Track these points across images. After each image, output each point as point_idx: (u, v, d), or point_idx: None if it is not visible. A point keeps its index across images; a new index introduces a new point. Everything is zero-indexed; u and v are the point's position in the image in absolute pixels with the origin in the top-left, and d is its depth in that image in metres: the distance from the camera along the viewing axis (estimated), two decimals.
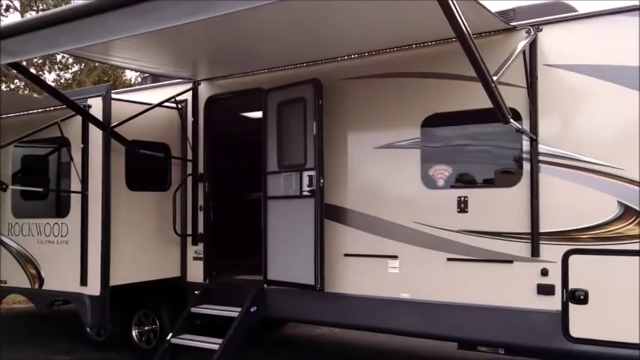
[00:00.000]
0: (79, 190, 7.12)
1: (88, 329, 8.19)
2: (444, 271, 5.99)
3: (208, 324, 7.39)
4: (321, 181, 6.49)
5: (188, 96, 7.94)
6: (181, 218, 7.87)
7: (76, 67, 23.26)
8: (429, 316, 6.05)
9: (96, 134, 7.04)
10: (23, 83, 21.36)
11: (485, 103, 5.67)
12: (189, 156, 7.87)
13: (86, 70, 22.04)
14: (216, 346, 6.61)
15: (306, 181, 6.64)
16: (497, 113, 4.68)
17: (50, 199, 7.83)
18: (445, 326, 5.98)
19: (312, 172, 6.56)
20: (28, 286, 7.75)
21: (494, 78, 4.44)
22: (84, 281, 7.06)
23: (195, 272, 7.81)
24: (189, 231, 7.85)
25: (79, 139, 7.16)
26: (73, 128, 7.18)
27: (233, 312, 7.07)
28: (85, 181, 7.11)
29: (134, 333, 8.05)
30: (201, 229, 7.81)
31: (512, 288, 5.64)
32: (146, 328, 8.03)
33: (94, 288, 6.97)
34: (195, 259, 7.84)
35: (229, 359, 6.57)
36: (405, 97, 6.32)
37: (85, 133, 7.13)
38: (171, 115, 7.90)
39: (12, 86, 21.55)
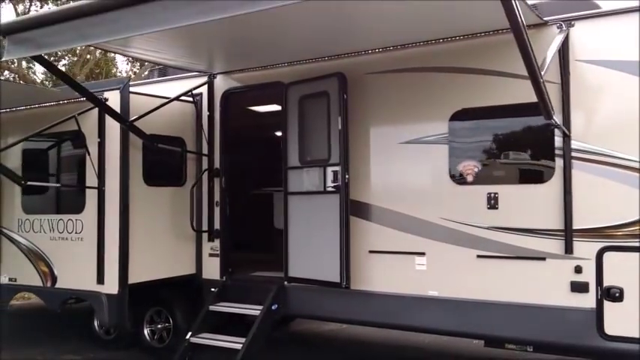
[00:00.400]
0: (96, 185, 6.94)
1: (96, 327, 8.03)
2: (473, 269, 5.92)
3: (225, 322, 7.29)
4: (346, 176, 6.39)
5: (203, 89, 7.78)
6: (197, 214, 7.73)
7: (65, 60, 22.90)
8: (458, 313, 5.98)
9: (113, 128, 6.88)
10: (15, 75, 20.95)
11: (516, 98, 5.74)
12: (205, 151, 7.72)
13: (79, 64, 21.67)
14: (238, 346, 6.50)
15: (330, 176, 6.54)
16: (541, 109, 4.61)
17: (63, 195, 7.64)
18: (474, 324, 5.91)
19: (337, 168, 6.45)
20: (40, 284, 7.57)
21: (542, 73, 4.35)
22: (101, 279, 6.90)
23: (211, 269, 7.68)
24: (205, 227, 7.71)
25: (94, 134, 6.98)
26: (88, 122, 6.99)
27: (253, 310, 6.97)
28: (101, 176, 6.93)
29: (146, 331, 7.88)
30: (217, 225, 7.68)
31: (544, 285, 5.58)
32: (159, 326, 7.87)
33: (111, 286, 6.82)
34: (211, 255, 7.71)
35: (252, 358, 6.45)
36: (432, 92, 6.22)
37: (102, 127, 6.96)
38: (186, 108, 7.73)
39: (2, 77, 21.14)
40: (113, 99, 6.78)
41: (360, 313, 6.50)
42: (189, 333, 6.92)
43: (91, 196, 7.07)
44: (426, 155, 6.24)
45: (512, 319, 5.72)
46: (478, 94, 5.95)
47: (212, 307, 7.23)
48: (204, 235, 7.73)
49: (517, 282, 5.71)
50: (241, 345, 6.47)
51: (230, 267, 7.67)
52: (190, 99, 7.70)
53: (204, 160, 7.76)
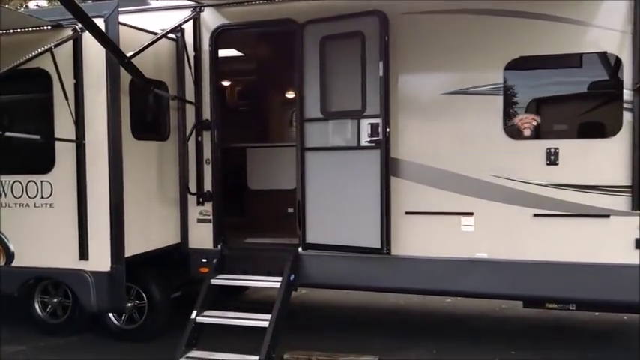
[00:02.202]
0: (71, 137, 5.52)
1: (38, 310, 6.57)
2: (529, 228, 5.58)
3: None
4: (387, 130, 5.68)
5: (187, 26, 6.50)
6: (182, 174, 6.56)
7: None
8: (510, 275, 5.64)
9: (93, 66, 5.49)
10: None
11: (582, 47, 5.39)
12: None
13: None
14: (264, 323, 5.61)
15: (366, 130, 5.79)
16: None
17: (20, 150, 6.01)
18: (527, 285, 5.61)
19: (376, 120, 5.71)
20: None
21: None
22: (84, 254, 5.57)
23: (201, 237, 6.59)
24: (192, 188, 6.57)
25: (67, 73, 5.50)
26: (56, 59, 5.47)
27: (266, 282, 6.12)
28: (79, 126, 5.52)
29: (110, 314, 6.60)
30: (208, 187, 6.58)
31: (607, 243, 5.39)
32: (128, 304, 6.64)
33: (99, 262, 5.55)
34: (200, 221, 6.61)
35: (279, 337, 5.62)
36: (485, 38, 5.66)
37: (78, 64, 5.51)
38: (165, 47, 6.42)
39: None
40: None
41: (401, 280, 5.91)
42: (194, 312, 5.86)
43: (65, 152, 5.63)
44: (476, 107, 5.71)
45: (571, 278, 5.48)
46: (538, 41, 5.49)
47: (214, 281, 6.21)
48: (191, 199, 6.59)
49: (577, 241, 5.47)
50: (267, 322, 5.60)
51: (223, 234, 6.66)
52: (172, 35, 6.41)
53: (189, 110, 6.56)
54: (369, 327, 6.98)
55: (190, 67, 6.42)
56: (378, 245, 5.73)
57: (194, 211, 6.62)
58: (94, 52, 5.47)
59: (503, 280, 5.68)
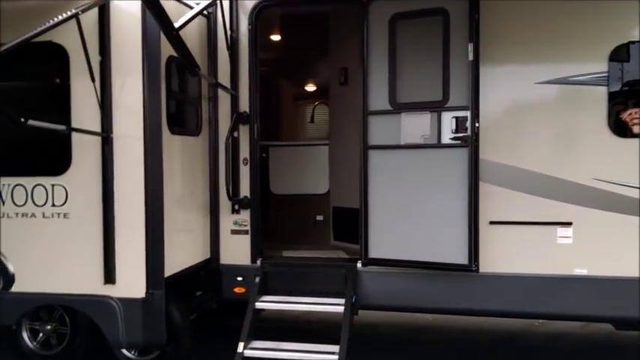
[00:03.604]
0: (96, 129, 4.36)
1: (26, 340, 5.32)
2: (637, 240, 4.82)
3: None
4: (477, 125, 4.81)
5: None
6: (213, 176, 5.48)
7: None
8: (615, 295, 4.87)
9: (125, 40, 4.36)
10: None
11: None
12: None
13: None
14: (328, 357, 4.63)
15: (448, 124, 4.90)
16: None
17: (22, 146, 4.75)
18: (633, 307, 4.86)
19: (463, 113, 4.83)
20: None
21: None
22: (110, 277, 4.42)
23: (236, 251, 5.54)
24: (225, 193, 5.49)
25: (90, 49, 4.31)
26: (74, 32, 4.27)
27: (326, 305, 5.12)
28: (107, 116, 4.37)
29: None
30: (244, 191, 5.52)
31: None
32: None
33: (132, 287, 4.40)
34: (234, 232, 5.55)
35: None
36: (588, 20, 4.90)
37: (105, 38, 4.36)
38: (194, 24, 5.31)
39: None
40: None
41: (489, 301, 5.04)
42: (241, 344, 4.80)
43: (84, 148, 4.46)
44: (576, 99, 4.93)
45: None
46: None
47: (259, 305, 5.16)
48: (223, 206, 5.52)
49: None
50: (336, 356, 4.60)
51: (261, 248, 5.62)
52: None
53: (224, 100, 5.49)
54: (426, 351, 6.07)
55: (228, 48, 5.35)
56: (464, 261, 4.84)
57: (227, 220, 5.56)
58: (125, 21, 4.37)
59: (607, 300, 4.90)
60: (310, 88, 7.99)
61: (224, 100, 5.51)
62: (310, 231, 7.02)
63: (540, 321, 6.70)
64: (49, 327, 5.39)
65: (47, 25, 3.81)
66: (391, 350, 5.95)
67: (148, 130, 4.35)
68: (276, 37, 7.55)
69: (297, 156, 7.15)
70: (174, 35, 4.09)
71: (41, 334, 5.43)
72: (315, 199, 7.01)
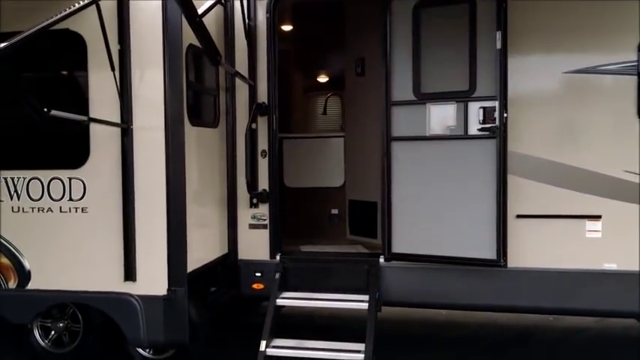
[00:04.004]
0: (116, 120, 4.20)
1: (38, 338, 5.19)
2: None
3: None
4: (505, 115, 4.69)
5: None
6: (231, 169, 5.34)
7: None
8: None
9: (146, 28, 4.21)
10: None
11: None
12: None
13: None
14: (354, 356, 4.51)
15: (475, 115, 4.77)
16: None
17: (37, 137, 4.59)
18: None
19: (491, 103, 4.70)
20: None
21: None
22: (130, 274, 4.27)
23: (254, 246, 5.39)
24: (243, 186, 5.35)
25: (113, 37, 4.15)
26: (92, 19, 4.11)
27: (349, 302, 4.99)
28: (126, 106, 4.21)
29: None
30: (263, 185, 5.38)
31: None
32: None
33: (153, 284, 4.26)
34: (253, 227, 5.41)
35: None
36: (615, 10, 4.75)
37: (124, 25, 4.20)
38: (212, 14, 5.15)
39: None
40: None
41: (517, 297, 4.91)
42: (263, 343, 4.66)
43: (103, 140, 4.31)
44: (605, 89, 4.80)
45: None
46: None
47: (280, 302, 5.03)
48: (242, 200, 5.38)
49: None
50: (362, 355, 4.48)
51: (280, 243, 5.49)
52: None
53: (241, 91, 5.34)
54: (444, 347, 5.95)
55: (247, 37, 5.19)
56: (492, 256, 4.72)
57: (245, 214, 5.41)
58: (145, 8, 4.21)
59: (635, 296, 4.79)
60: (322, 79, 7.83)
61: (241, 91, 5.35)
62: (325, 225, 6.88)
63: (554, 316, 6.61)
64: (61, 325, 5.25)
65: (66, 11, 3.62)
66: (412, 347, 5.81)
67: (169, 121, 4.20)
68: (287, 28, 7.38)
69: (311, 148, 6.99)
70: (197, 22, 3.93)
71: (53, 332, 5.30)
72: (330, 193, 6.87)
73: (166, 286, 4.26)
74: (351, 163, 6.69)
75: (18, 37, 2.95)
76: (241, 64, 5.31)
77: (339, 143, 6.80)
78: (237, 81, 5.30)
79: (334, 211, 6.89)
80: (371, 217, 6.33)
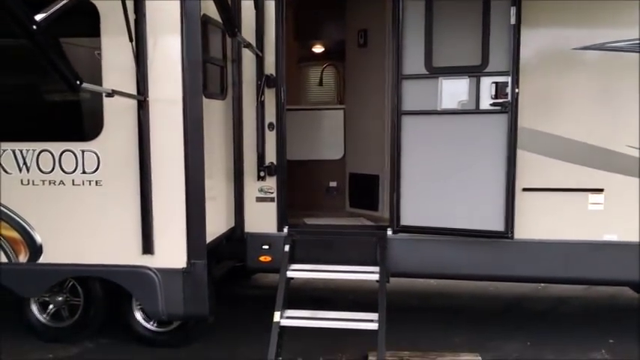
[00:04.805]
0: (132, 92, 4.11)
1: (36, 313, 5.18)
2: None
3: None
4: (516, 90, 4.75)
5: None
6: (238, 141, 5.29)
7: None
8: None
9: None
10: None
11: None
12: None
13: None
14: (368, 325, 4.60)
15: (487, 90, 4.83)
16: None
17: (47, 108, 4.47)
18: None
19: (503, 78, 4.77)
20: (2, 259, 4.47)
21: None
22: (148, 247, 4.24)
23: (261, 219, 5.40)
24: (250, 159, 5.33)
25: (118, 6, 4.02)
26: None
27: (359, 273, 5.05)
28: (142, 78, 4.12)
29: (137, 315, 5.24)
30: (270, 158, 5.36)
31: None
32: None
33: (171, 257, 4.24)
34: (260, 200, 5.40)
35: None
36: None
37: None
38: None
39: None
40: None
41: (522, 268, 5.07)
42: (277, 314, 4.70)
43: (118, 113, 4.22)
44: (613, 65, 4.90)
45: None
46: None
47: (290, 274, 5.07)
48: (249, 173, 5.35)
49: None
50: (376, 324, 4.57)
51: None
52: None
53: (247, 62, 5.26)
54: (435, 316, 6.10)
55: (256, 7, 5.10)
56: (500, 228, 4.85)
57: (252, 187, 5.40)
58: None
59: (634, 265, 5.00)
60: (317, 49, 7.75)
61: (247, 62, 5.28)
62: (323, 197, 6.91)
63: (543, 285, 6.84)
64: (60, 299, 5.20)
65: None
66: (404, 317, 5.92)
67: (187, 93, 4.13)
68: None
69: (310, 120, 6.96)
70: None
71: (52, 306, 5.25)
72: (329, 165, 6.87)
73: (185, 259, 4.25)
74: (351, 136, 6.70)
75: (53, 9, 2.85)
76: (248, 36, 5.22)
77: (338, 115, 6.79)
78: (243, 52, 5.23)
79: (332, 184, 6.91)
80: (371, 190, 6.39)
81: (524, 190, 5.03)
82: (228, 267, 5.76)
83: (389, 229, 5.25)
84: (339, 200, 6.79)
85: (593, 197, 5.01)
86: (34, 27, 2.79)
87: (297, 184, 7.01)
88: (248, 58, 5.26)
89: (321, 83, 7.72)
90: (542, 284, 6.77)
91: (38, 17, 2.83)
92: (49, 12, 2.78)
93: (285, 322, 4.72)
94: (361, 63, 6.42)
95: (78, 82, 3.06)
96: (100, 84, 4.12)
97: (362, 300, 5.87)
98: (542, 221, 5.06)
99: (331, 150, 6.82)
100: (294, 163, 7.01)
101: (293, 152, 6.99)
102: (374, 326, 4.58)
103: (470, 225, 4.95)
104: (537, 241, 5.05)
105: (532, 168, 5.03)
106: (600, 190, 4.99)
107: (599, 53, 4.91)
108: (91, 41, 4.45)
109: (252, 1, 5.14)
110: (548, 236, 5.06)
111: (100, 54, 4.31)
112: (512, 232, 4.85)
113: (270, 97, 5.31)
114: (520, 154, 4.94)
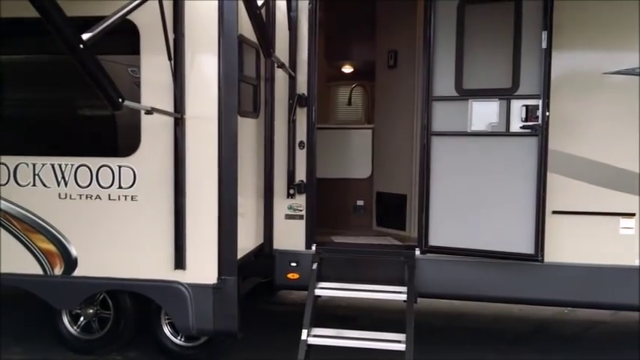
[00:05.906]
0: (169, 110, 4.21)
1: (67, 324, 5.25)
2: None
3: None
4: (547, 114, 4.77)
5: None
6: (269, 159, 5.37)
7: None
8: None
9: (201, 16, 4.21)
10: None
11: None
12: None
13: None
14: (395, 346, 4.60)
15: (517, 112, 4.85)
16: None
17: (83, 126, 4.61)
18: None
19: (534, 102, 4.78)
20: (39, 271, 4.58)
21: None
22: (180, 262, 4.32)
23: (290, 236, 5.45)
24: (280, 177, 5.41)
25: (163, 26, 4.14)
26: (149, 6, 4.10)
27: (388, 293, 5.06)
28: (180, 95, 4.23)
29: (165, 329, 5.27)
30: (300, 176, 5.43)
31: None
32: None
33: (202, 273, 4.32)
34: (289, 217, 5.46)
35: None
36: None
37: (179, 12, 4.19)
38: None
39: None
40: None
41: (552, 291, 5.03)
42: (305, 332, 4.73)
43: (154, 129, 4.33)
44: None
45: None
46: None
47: (318, 292, 5.10)
48: (279, 190, 5.42)
49: None
50: (404, 345, 4.57)
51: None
52: None
53: (279, 82, 5.35)
54: (460, 338, 6.06)
55: (291, 29, 5.20)
56: (530, 251, 4.83)
57: (282, 204, 5.46)
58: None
59: None
60: (347, 69, 7.84)
61: (280, 82, 5.38)
62: (350, 216, 6.94)
63: (569, 309, 6.76)
64: (90, 311, 5.29)
65: (132, 3, 3.61)
66: (429, 338, 5.90)
67: (223, 111, 4.22)
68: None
69: (338, 139, 7.02)
70: (257, 15, 3.95)
71: (82, 318, 5.34)
72: (356, 184, 6.92)
73: (216, 275, 4.31)
74: (379, 156, 6.74)
75: (99, 28, 2.96)
76: (282, 56, 5.33)
77: (367, 135, 6.85)
78: (276, 72, 5.33)
79: (359, 203, 6.95)
80: (399, 209, 6.41)
81: (554, 212, 5.02)
82: (253, 284, 5.81)
83: (417, 248, 5.27)
84: (366, 219, 6.82)
85: (624, 222, 4.98)
86: (81, 46, 2.91)
87: (325, 202, 7.06)
88: (281, 77, 5.36)
89: (349, 103, 7.79)
90: (569, 308, 6.72)
91: (85, 36, 2.95)
92: (95, 31, 2.88)
93: (312, 341, 4.74)
94: (391, 83, 6.49)
95: (120, 100, 3.16)
96: (134, 100, 4.24)
97: (386, 318, 5.87)
98: (572, 245, 5.04)
99: (359, 169, 6.86)
100: (322, 181, 7.08)
101: (320, 170, 7.04)
102: (401, 347, 4.58)
103: (499, 247, 4.94)
104: (567, 265, 5.02)
105: (562, 191, 5.02)
106: (632, 215, 4.96)
107: (629, 78, 4.91)
108: (125, 59, 4.62)
109: (287, 22, 5.27)
110: (578, 260, 5.02)
111: (134, 71, 4.47)
112: (542, 255, 4.83)
113: (301, 116, 5.39)
114: (550, 176, 4.94)
